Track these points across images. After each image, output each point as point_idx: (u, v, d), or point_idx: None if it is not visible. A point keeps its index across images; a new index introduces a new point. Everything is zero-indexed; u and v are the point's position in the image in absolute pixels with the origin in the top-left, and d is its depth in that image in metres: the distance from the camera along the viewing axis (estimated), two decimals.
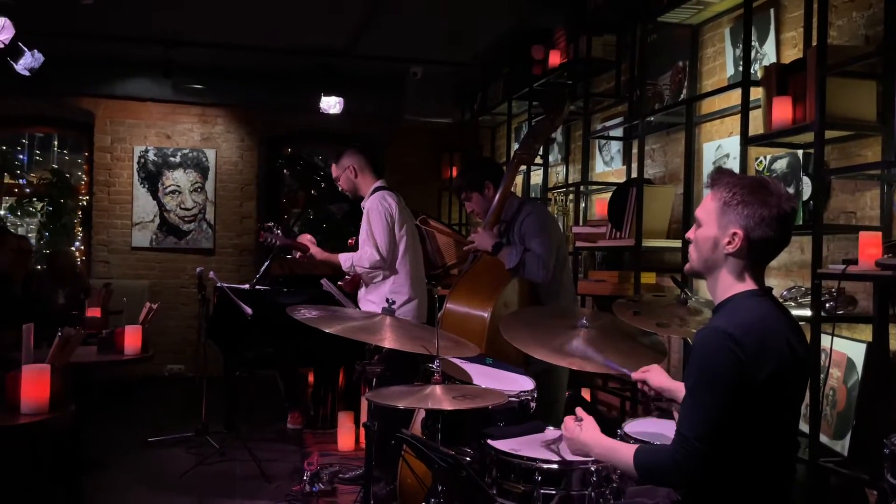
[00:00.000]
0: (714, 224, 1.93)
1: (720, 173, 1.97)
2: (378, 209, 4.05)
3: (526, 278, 3.50)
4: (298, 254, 4.26)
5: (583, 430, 2.07)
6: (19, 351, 2.32)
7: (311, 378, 5.94)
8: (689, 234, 2.02)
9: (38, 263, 7.71)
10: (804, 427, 3.07)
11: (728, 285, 1.94)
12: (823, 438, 3.06)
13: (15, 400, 2.27)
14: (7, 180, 7.99)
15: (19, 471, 3.02)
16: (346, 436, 5.05)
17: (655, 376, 2.36)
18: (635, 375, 2.42)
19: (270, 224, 4.35)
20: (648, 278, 4.27)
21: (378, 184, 4.23)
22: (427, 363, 2.38)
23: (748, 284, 1.93)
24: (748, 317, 1.85)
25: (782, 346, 1.85)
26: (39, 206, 7.76)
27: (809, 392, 3.00)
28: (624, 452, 1.94)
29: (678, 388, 2.28)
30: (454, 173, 7.44)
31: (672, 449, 1.84)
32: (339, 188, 4.32)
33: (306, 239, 4.47)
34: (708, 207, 1.95)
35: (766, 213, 1.87)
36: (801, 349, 1.91)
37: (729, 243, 1.90)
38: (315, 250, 4.24)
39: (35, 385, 2.23)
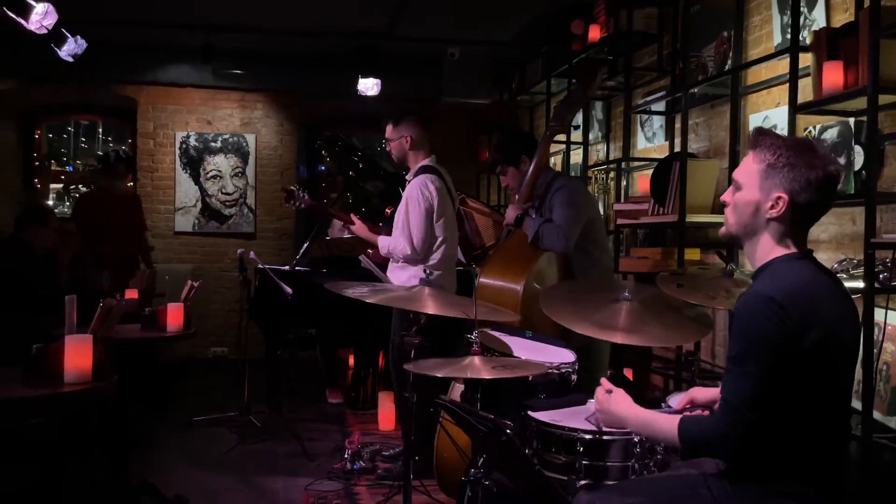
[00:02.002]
0: (756, 187, 1.84)
1: (762, 134, 1.88)
2: (418, 199, 3.92)
3: (546, 248, 3.46)
4: (340, 225, 4.24)
5: (613, 401, 2.02)
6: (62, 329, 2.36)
7: (351, 361, 5.97)
8: (726, 197, 1.93)
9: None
10: (857, 404, 2.98)
11: (768, 250, 1.86)
12: (877, 415, 2.96)
13: (58, 370, 2.30)
14: (54, 167, 8.17)
15: (67, 443, 3.08)
16: (387, 415, 5.05)
17: (698, 394, 2.23)
18: (678, 405, 2.26)
19: (293, 188, 4.34)
20: (692, 254, 4.18)
21: (426, 162, 4.07)
22: (467, 335, 2.35)
23: (789, 248, 1.85)
24: (791, 280, 1.78)
25: (828, 309, 1.77)
26: (85, 191, 7.90)
27: (862, 367, 2.91)
28: (664, 424, 1.87)
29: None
30: None
31: (718, 419, 1.78)
32: (388, 150, 4.18)
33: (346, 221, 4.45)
34: (749, 169, 1.86)
35: (813, 175, 1.79)
36: (849, 311, 1.84)
37: (772, 207, 1.82)
38: (359, 225, 4.21)
39: (78, 354, 2.25)
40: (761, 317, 1.73)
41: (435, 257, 3.97)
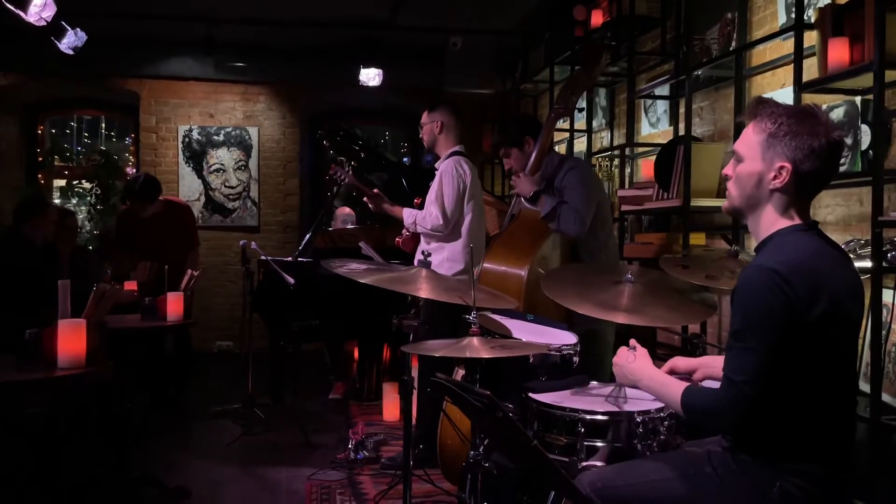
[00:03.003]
0: (758, 158, 1.79)
1: (762, 103, 1.83)
2: (452, 173, 3.99)
3: (561, 231, 3.42)
4: (343, 217, 4.21)
5: (638, 357, 1.99)
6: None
7: (356, 354, 5.94)
8: (727, 171, 1.88)
9: (90, 244, 7.88)
10: (865, 386, 2.93)
11: (771, 222, 1.81)
12: (885, 397, 2.91)
13: (52, 355, 2.27)
14: (57, 163, 8.16)
15: (66, 433, 3.06)
16: (392, 406, 5.03)
17: (680, 363, 2.21)
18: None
19: (343, 159, 4.34)
20: (697, 239, 4.12)
21: (456, 148, 4.14)
22: (464, 315, 2.31)
23: (793, 220, 1.80)
24: (795, 253, 1.73)
25: (834, 282, 1.72)
26: (89, 187, 7.88)
27: (871, 349, 2.86)
28: (673, 389, 1.85)
29: (704, 363, 2.18)
30: None
31: (720, 393, 1.74)
32: (420, 137, 4.22)
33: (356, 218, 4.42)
34: (750, 140, 1.81)
35: (816, 143, 1.73)
36: (855, 283, 1.79)
37: (775, 178, 1.77)
38: (384, 199, 4.21)
39: (71, 339, 2.23)
40: (764, 290, 1.68)
41: (460, 243, 3.98)
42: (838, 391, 1.77)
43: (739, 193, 1.84)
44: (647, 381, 1.95)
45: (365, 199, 4.28)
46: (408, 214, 4.08)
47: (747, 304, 1.71)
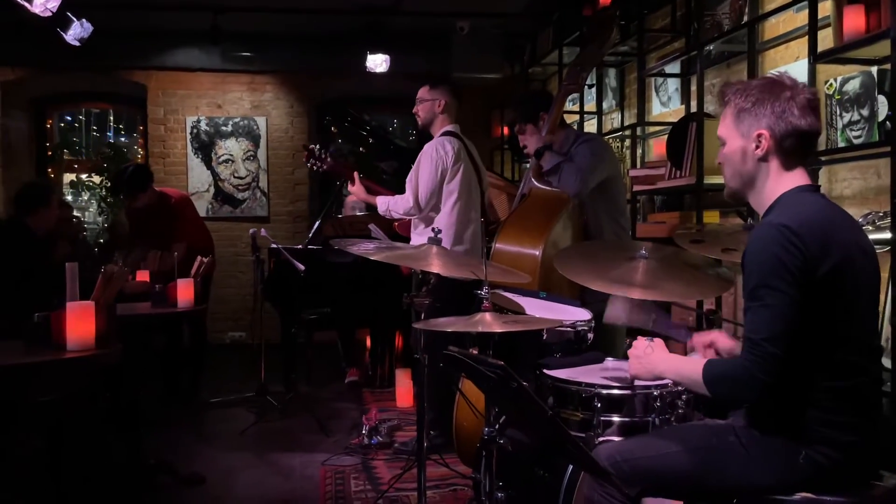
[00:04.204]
0: (736, 135, 1.83)
1: (727, 85, 1.88)
2: (431, 155, 3.91)
3: (560, 187, 3.40)
4: (353, 203, 4.16)
5: (654, 352, 1.94)
6: None
7: (368, 343, 5.92)
8: (718, 159, 1.91)
9: (100, 237, 7.89)
10: (887, 361, 2.87)
11: (772, 189, 1.82)
12: None
13: (61, 338, 2.26)
14: (67, 157, 8.16)
15: (77, 418, 3.04)
16: (405, 392, 5.01)
17: (721, 339, 2.11)
18: (696, 340, 2.16)
19: (313, 146, 4.23)
20: (711, 217, 4.07)
21: (448, 128, 4.06)
22: (476, 290, 2.27)
23: (793, 181, 1.80)
24: (803, 209, 1.73)
25: (843, 238, 1.71)
26: (98, 180, 7.88)
27: (891, 325, 2.80)
28: (693, 368, 1.80)
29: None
30: (506, 131, 7.28)
31: (742, 357, 1.70)
32: (415, 112, 4.12)
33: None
34: (726, 122, 1.86)
35: (786, 105, 1.76)
36: (864, 242, 1.77)
37: (757, 147, 1.80)
38: (358, 187, 4.14)
39: (80, 321, 2.21)
40: (775, 245, 1.66)
41: (441, 218, 3.91)
42: (859, 355, 1.73)
43: (732, 173, 1.87)
44: (668, 369, 1.90)
45: (350, 188, 4.21)
46: (381, 202, 4.03)
47: (761, 262, 1.69)
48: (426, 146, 3.99)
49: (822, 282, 1.65)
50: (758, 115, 1.78)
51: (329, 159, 4.30)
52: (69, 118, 8.36)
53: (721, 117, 1.89)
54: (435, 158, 3.90)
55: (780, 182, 1.80)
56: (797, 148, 1.80)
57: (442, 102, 4.04)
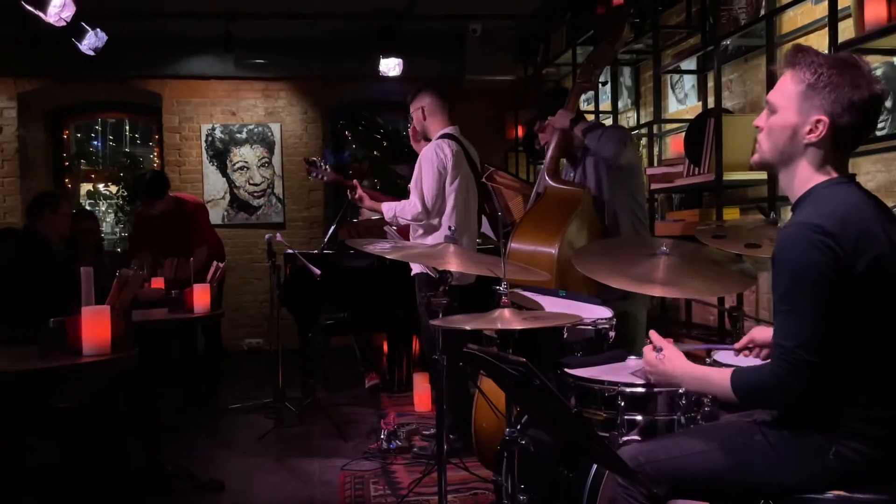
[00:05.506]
0: (793, 110, 1.70)
1: (801, 51, 1.72)
2: (431, 159, 3.89)
3: (597, 150, 3.42)
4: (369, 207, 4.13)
5: (667, 360, 1.85)
6: None
7: (385, 348, 5.90)
8: (759, 122, 1.78)
9: (118, 246, 7.92)
10: None
11: (807, 177, 1.72)
12: None
13: (77, 343, 2.24)
14: (84, 167, 8.21)
15: (95, 423, 3.03)
16: (422, 396, 4.97)
17: (760, 334, 2.07)
18: (739, 345, 2.11)
19: (314, 158, 4.22)
20: (731, 214, 4.01)
21: (445, 130, 4.04)
22: (494, 286, 2.23)
23: (830, 174, 1.71)
24: (836, 206, 1.64)
25: (880, 233, 1.63)
26: (115, 189, 7.92)
27: None
28: (718, 378, 1.72)
29: None
30: (520, 132, 7.24)
31: (773, 364, 1.63)
32: (410, 127, 4.15)
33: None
34: (787, 90, 1.71)
35: (857, 96, 1.64)
36: None
37: (811, 132, 1.68)
38: (360, 195, 4.11)
39: (96, 326, 2.19)
40: (808, 247, 1.59)
41: (444, 221, 3.89)
42: (893, 348, 1.67)
43: (772, 147, 1.76)
44: (688, 380, 1.82)
45: (351, 197, 4.18)
46: (387, 208, 4.00)
47: (791, 264, 1.62)
48: (424, 150, 3.99)
49: (858, 281, 1.59)
50: (824, 99, 1.66)
51: (329, 169, 4.28)
52: (85, 128, 8.41)
53: (780, 80, 1.75)
54: (435, 162, 3.89)
55: (817, 171, 1.71)
56: (849, 142, 1.72)
57: (422, 110, 4.05)
